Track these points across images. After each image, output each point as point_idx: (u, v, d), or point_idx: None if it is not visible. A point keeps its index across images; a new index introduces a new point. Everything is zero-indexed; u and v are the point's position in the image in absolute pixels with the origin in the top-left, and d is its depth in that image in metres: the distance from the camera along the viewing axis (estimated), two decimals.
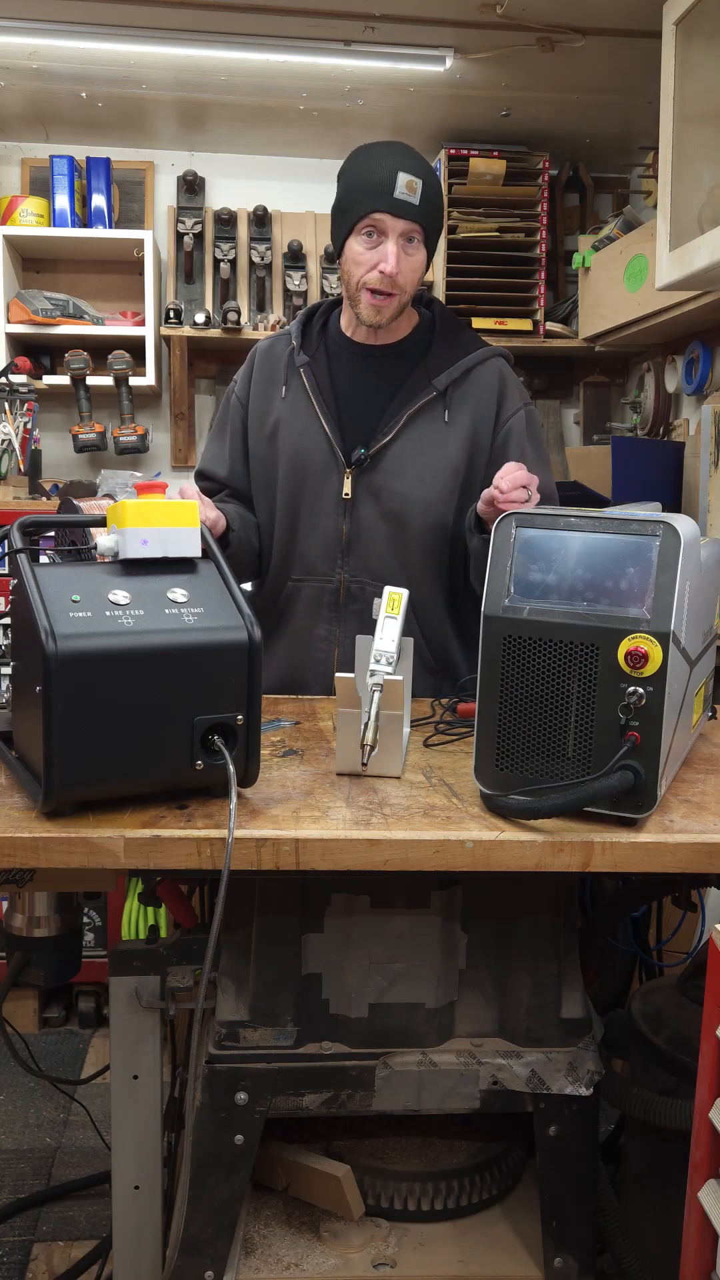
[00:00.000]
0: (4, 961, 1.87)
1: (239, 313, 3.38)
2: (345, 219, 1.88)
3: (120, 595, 1.21)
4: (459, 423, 1.95)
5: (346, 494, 1.94)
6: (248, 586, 2.11)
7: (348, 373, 2.00)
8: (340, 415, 1.97)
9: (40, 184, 3.54)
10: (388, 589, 1.48)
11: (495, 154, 3.32)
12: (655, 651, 1.17)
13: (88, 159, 3.52)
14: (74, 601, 1.18)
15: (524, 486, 1.68)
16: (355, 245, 1.87)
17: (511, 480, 1.67)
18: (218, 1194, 1.37)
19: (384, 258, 1.84)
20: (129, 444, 3.44)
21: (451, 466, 1.94)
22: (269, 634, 1.98)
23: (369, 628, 1.45)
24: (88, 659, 1.15)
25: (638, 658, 1.17)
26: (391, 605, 1.45)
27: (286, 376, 2.01)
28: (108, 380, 3.39)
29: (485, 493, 1.73)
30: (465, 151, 3.31)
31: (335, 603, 1.97)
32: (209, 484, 2.10)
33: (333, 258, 3.48)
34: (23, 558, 1.22)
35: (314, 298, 3.50)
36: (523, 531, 1.27)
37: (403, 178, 1.81)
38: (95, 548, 1.28)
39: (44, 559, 1.37)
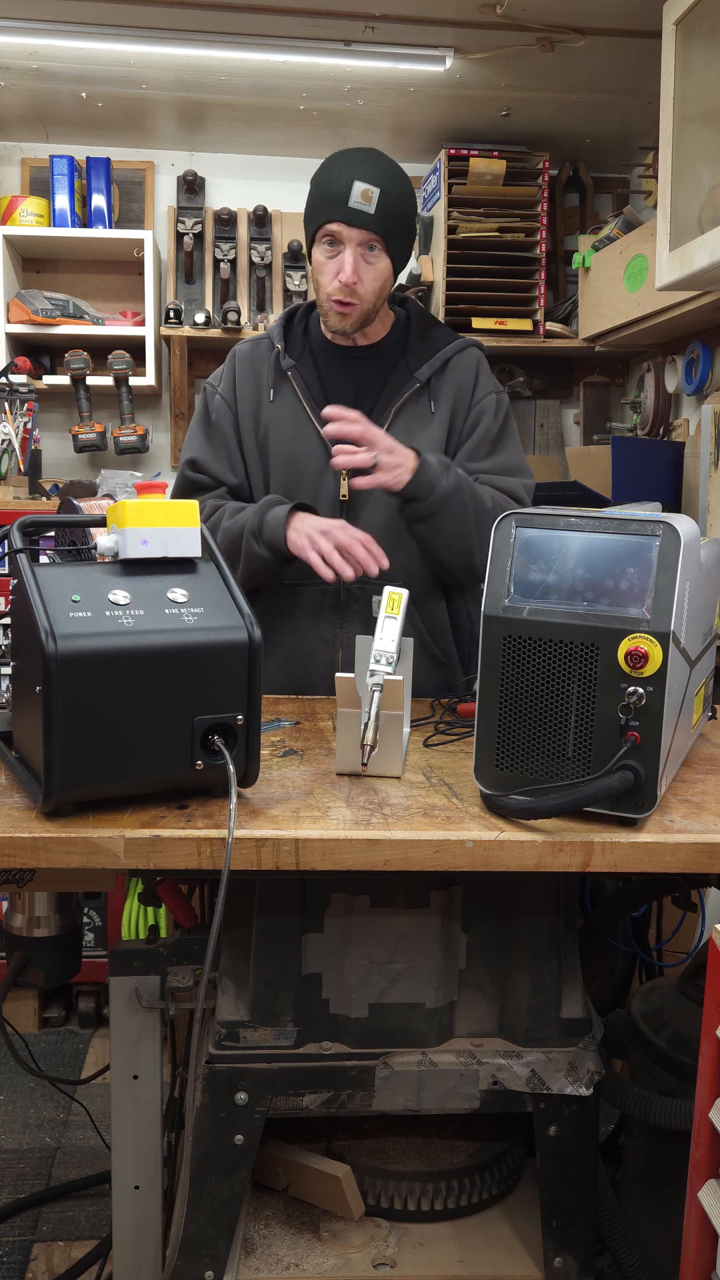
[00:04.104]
0: (4, 961, 1.87)
1: (239, 313, 3.38)
2: (308, 228, 1.91)
3: (120, 595, 1.21)
4: (441, 410, 1.98)
5: (344, 495, 1.95)
6: None
7: (336, 375, 2.00)
8: None
9: (40, 184, 3.54)
10: (387, 589, 1.48)
11: (495, 154, 3.32)
12: (655, 651, 1.17)
13: (88, 159, 3.52)
14: (74, 601, 1.18)
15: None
16: (318, 254, 1.90)
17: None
18: (218, 1194, 1.37)
19: (341, 267, 1.86)
20: (129, 444, 3.44)
21: (437, 451, 1.95)
22: (267, 639, 1.97)
23: (372, 626, 1.45)
24: (88, 659, 1.15)
25: (638, 658, 1.17)
26: (391, 605, 1.45)
27: (274, 380, 2.01)
28: (108, 380, 3.39)
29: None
30: (465, 151, 3.31)
31: (337, 604, 1.97)
32: (202, 476, 2.05)
33: None
34: (23, 558, 1.22)
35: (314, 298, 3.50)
36: (523, 531, 1.27)
37: (358, 187, 1.82)
38: (95, 548, 1.28)
39: (44, 559, 1.37)
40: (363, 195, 1.82)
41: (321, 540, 1.80)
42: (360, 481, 1.80)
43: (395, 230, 1.88)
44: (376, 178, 1.84)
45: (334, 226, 1.85)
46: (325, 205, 1.85)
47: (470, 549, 1.86)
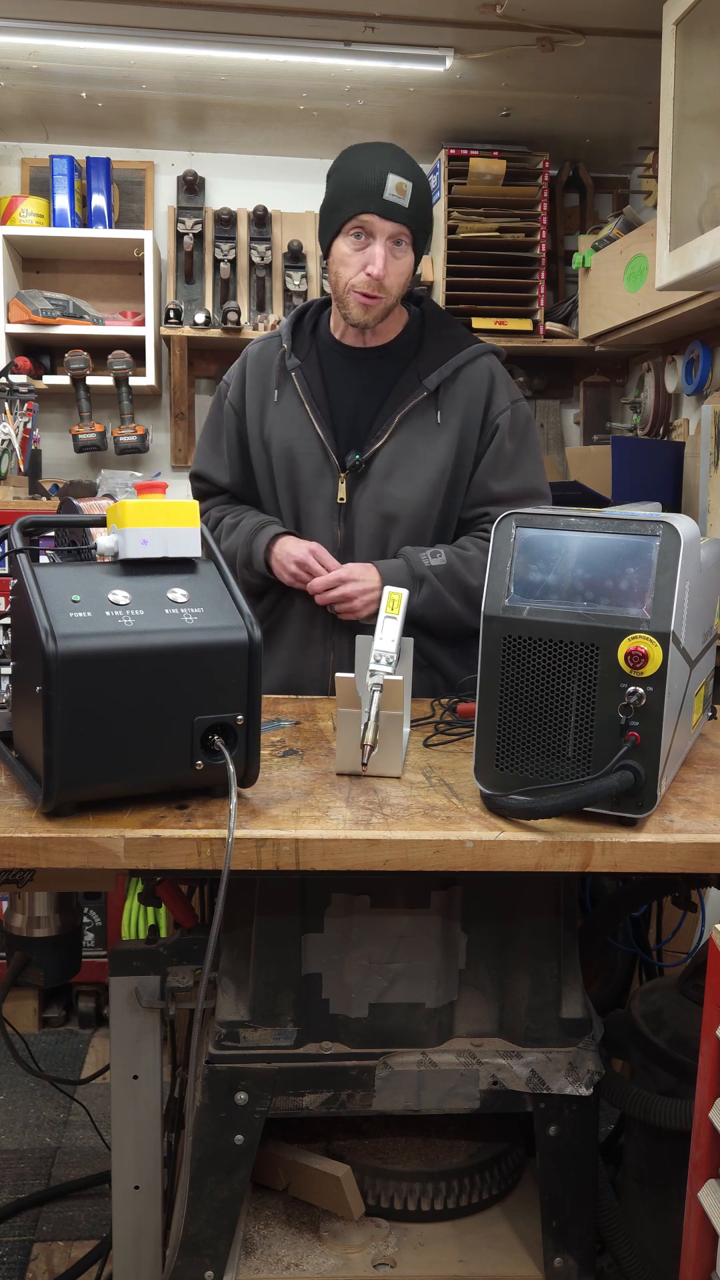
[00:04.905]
0: (4, 961, 1.87)
1: (239, 313, 3.38)
2: (333, 219, 1.88)
3: (120, 595, 1.21)
4: (449, 423, 1.95)
5: (341, 498, 1.94)
6: None
7: (339, 376, 1.99)
8: (333, 419, 1.96)
9: (40, 184, 3.54)
10: (388, 589, 1.48)
11: (495, 154, 3.32)
12: (655, 651, 1.17)
13: (88, 159, 3.52)
14: (74, 601, 1.18)
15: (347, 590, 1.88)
16: (343, 246, 1.87)
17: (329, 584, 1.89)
18: (218, 1194, 1.37)
19: (371, 260, 1.84)
20: (129, 444, 3.44)
21: (439, 466, 1.94)
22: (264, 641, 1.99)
23: (366, 631, 1.45)
24: (88, 659, 1.15)
25: (638, 658, 1.17)
26: (391, 605, 1.45)
27: (278, 380, 2.00)
28: (108, 380, 3.39)
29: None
30: (465, 151, 3.31)
31: (328, 610, 1.96)
32: (205, 485, 2.12)
33: None
34: (23, 558, 1.22)
35: (314, 297, 3.50)
36: (523, 531, 1.27)
37: (392, 179, 1.82)
38: (95, 548, 1.28)
39: (44, 559, 1.37)
40: (397, 188, 1.82)
41: (302, 577, 1.93)
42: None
43: (422, 226, 1.89)
44: (407, 172, 1.84)
45: (367, 218, 1.83)
46: (358, 197, 1.83)
47: (466, 626, 1.93)
